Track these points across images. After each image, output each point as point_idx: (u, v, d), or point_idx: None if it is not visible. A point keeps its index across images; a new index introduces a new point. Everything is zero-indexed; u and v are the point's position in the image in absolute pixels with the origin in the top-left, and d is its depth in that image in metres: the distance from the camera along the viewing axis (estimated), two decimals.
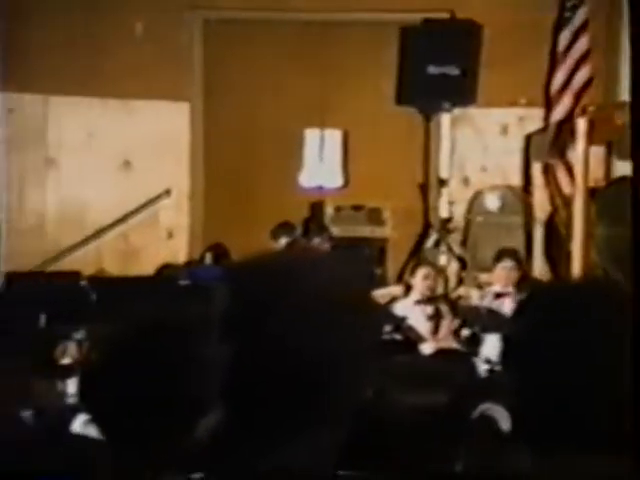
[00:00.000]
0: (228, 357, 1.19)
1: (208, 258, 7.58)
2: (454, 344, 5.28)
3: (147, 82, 7.73)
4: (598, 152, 7.15)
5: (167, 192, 7.87)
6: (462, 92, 7.57)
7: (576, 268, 6.91)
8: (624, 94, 7.67)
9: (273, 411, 1.19)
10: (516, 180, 7.74)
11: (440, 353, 5.00)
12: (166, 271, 6.88)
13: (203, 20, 8.01)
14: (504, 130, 7.73)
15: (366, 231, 7.71)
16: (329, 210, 7.78)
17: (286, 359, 1.18)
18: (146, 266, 7.39)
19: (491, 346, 5.00)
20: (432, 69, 7.52)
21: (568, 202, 7.25)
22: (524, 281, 6.06)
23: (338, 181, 7.92)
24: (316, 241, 7.06)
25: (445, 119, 7.71)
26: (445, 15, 7.71)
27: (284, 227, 7.23)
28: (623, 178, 7.29)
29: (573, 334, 1.32)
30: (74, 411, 3.50)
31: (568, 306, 1.35)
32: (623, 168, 7.37)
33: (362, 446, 1.54)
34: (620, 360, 1.30)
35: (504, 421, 2.73)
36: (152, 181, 7.84)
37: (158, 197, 7.84)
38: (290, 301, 1.18)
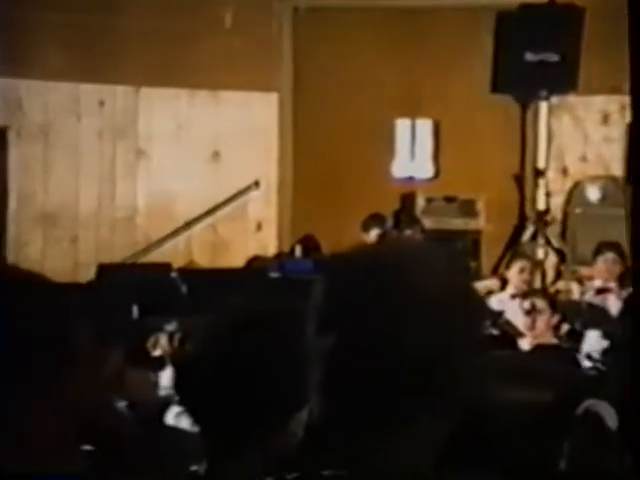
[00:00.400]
0: (325, 351, 1.18)
1: (298, 251, 7.59)
2: (553, 339, 5.16)
3: (236, 73, 7.76)
4: None
5: (256, 184, 7.90)
6: (561, 79, 7.39)
7: None
8: None
9: (372, 407, 1.17)
10: (618, 170, 7.52)
11: (539, 348, 4.89)
12: (256, 263, 6.91)
13: (292, 8, 8.00)
14: (605, 118, 7.53)
15: (459, 223, 7.60)
16: (420, 201, 7.70)
17: (386, 353, 1.16)
18: (235, 258, 7.44)
19: (593, 342, 4.87)
20: (529, 56, 7.36)
21: None
22: (628, 276, 5.88)
23: (429, 172, 7.84)
24: (407, 233, 7.01)
25: (543, 107, 7.54)
26: None
27: (375, 219, 7.19)
28: None
29: None
30: (167, 403, 3.53)
31: None
32: None
33: (465, 443, 1.50)
34: None
35: (610, 418, 2.65)
36: (241, 173, 7.88)
37: (247, 189, 7.88)
38: (389, 294, 1.17)
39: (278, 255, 7.46)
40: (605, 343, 5.01)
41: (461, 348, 1.20)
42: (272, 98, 7.95)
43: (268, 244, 7.93)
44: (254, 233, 7.96)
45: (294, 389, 1.46)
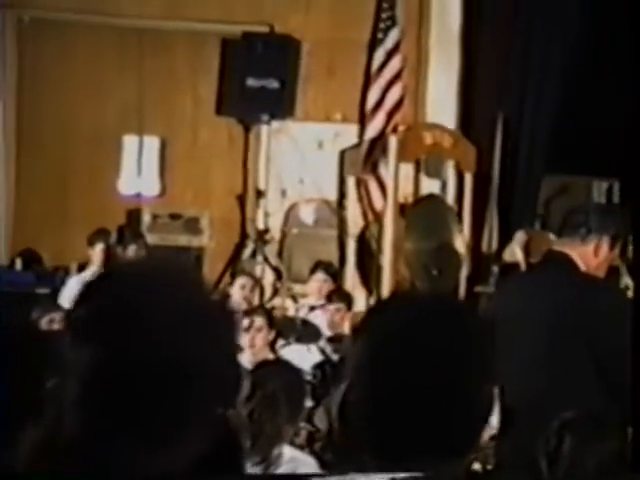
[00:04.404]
0: (79, 364, 1.22)
1: (18, 264, 7.57)
2: (270, 355, 5.57)
3: None
4: (407, 169, 7.68)
5: None
6: (280, 105, 7.93)
7: (386, 281, 7.42)
8: (431, 114, 8.28)
9: (121, 421, 1.21)
10: (332, 194, 8.16)
11: (260, 365, 5.27)
12: None
13: (17, 18, 7.97)
14: (320, 144, 8.14)
15: (183, 240, 7.89)
16: (146, 218, 7.93)
17: (140, 367, 1.20)
18: None
19: (303, 356, 5.34)
20: (251, 81, 7.83)
21: (379, 217, 7.75)
22: (336, 293, 6.44)
23: (156, 189, 8.09)
24: (131, 248, 7.18)
25: (264, 131, 8.03)
26: (265, 29, 8.04)
27: (100, 234, 7.34)
28: (430, 195, 7.88)
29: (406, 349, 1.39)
30: None
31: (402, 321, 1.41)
32: (430, 185, 7.96)
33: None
34: (449, 370, 1.37)
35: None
36: None
37: None
38: (142, 307, 1.21)
39: None
40: (316, 357, 5.52)
41: (216, 360, 1.24)
42: None
43: None
44: None
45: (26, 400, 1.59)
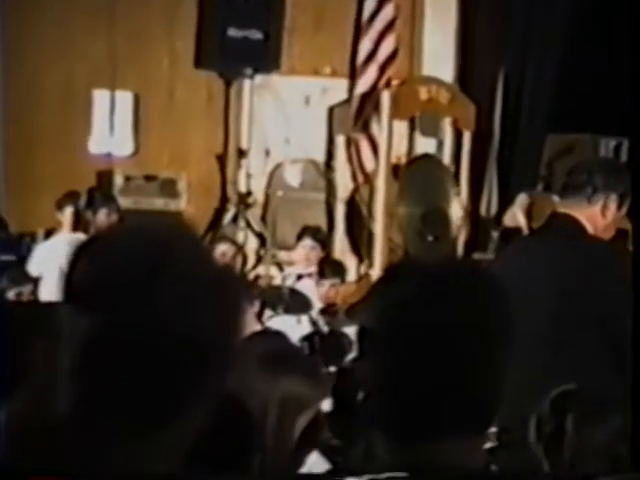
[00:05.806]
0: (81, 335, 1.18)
1: None
2: (257, 326, 5.48)
3: None
4: (401, 127, 7.55)
5: None
6: (265, 57, 7.73)
7: (378, 248, 7.30)
8: (427, 68, 8.12)
9: (130, 401, 1.17)
10: (319, 154, 8.02)
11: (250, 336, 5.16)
12: None
13: None
14: (307, 100, 7.99)
15: (159, 204, 7.73)
16: (119, 179, 7.76)
17: (144, 338, 1.16)
18: None
19: (293, 328, 5.24)
20: (233, 32, 7.64)
21: (370, 179, 7.62)
22: (326, 261, 6.32)
23: (128, 148, 7.92)
24: (102, 212, 7.04)
25: (246, 86, 7.87)
26: None
27: (69, 197, 7.18)
28: (425, 155, 7.74)
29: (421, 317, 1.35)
30: None
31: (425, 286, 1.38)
32: (425, 145, 7.83)
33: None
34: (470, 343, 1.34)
35: None
36: None
37: None
38: (152, 275, 1.17)
39: None
40: (306, 329, 5.41)
41: (225, 333, 1.19)
42: None
43: None
44: None
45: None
